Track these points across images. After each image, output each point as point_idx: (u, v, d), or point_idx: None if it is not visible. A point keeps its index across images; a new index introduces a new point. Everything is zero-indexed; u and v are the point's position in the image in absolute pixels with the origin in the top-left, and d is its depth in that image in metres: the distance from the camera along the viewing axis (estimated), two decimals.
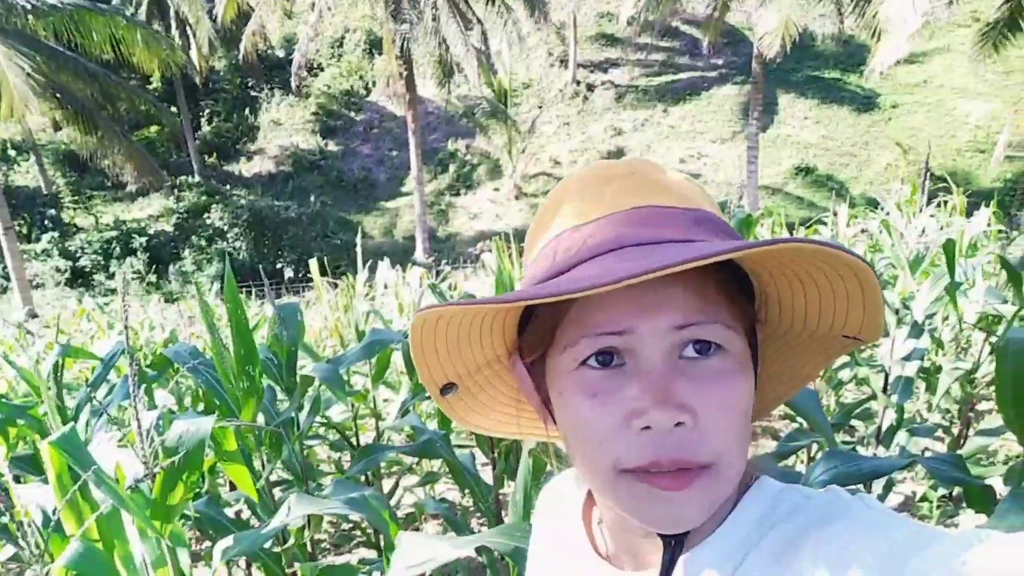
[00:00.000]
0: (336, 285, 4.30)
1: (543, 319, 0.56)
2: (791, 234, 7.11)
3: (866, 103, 23.75)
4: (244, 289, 13.46)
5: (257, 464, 2.19)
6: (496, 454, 2.30)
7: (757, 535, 0.53)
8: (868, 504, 0.52)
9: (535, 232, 0.61)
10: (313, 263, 3.58)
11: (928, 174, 5.60)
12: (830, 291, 0.52)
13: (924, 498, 3.44)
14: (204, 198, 23.58)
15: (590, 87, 27.17)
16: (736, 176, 21.54)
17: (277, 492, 2.84)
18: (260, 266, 3.26)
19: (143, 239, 21.95)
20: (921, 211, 6.58)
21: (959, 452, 1.75)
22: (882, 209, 8.21)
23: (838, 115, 23.81)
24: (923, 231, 2.47)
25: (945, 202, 7.38)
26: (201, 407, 2.93)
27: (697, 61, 27.65)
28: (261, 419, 2.07)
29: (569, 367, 0.53)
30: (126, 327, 1.43)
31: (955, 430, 3.76)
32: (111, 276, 20.57)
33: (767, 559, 0.52)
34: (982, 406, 4.23)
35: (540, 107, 26.15)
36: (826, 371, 3.34)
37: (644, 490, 0.50)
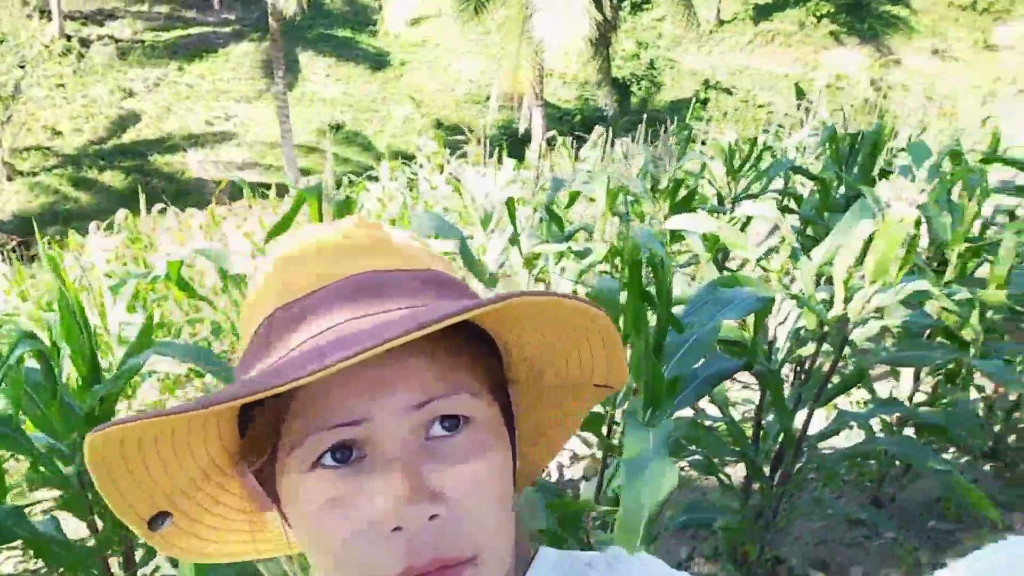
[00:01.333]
0: None
1: (263, 416, 0.47)
2: (339, 188, 7.30)
3: (379, 61, 25.33)
4: None
5: None
6: (97, 513, 1.90)
7: None
8: (648, 564, 0.53)
9: (246, 316, 0.52)
10: None
11: (488, 146, 6.30)
12: (570, 341, 0.51)
13: None
14: None
15: (84, 42, 23.37)
16: (270, 135, 21.16)
17: None
18: None
19: None
20: (442, 169, 7.37)
21: None
22: (416, 163, 8.98)
23: (355, 72, 24.95)
24: (487, 193, 2.78)
25: (465, 153, 8.41)
26: None
27: (207, 16, 25.91)
28: None
29: (300, 470, 0.45)
30: None
31: None
32: None
33: None
34: None
35: (22, 66, 21.61)
36: None
37: None
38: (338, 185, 8.16)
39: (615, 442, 1.76)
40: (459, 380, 0.46)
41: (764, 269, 2.58)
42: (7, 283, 5.30)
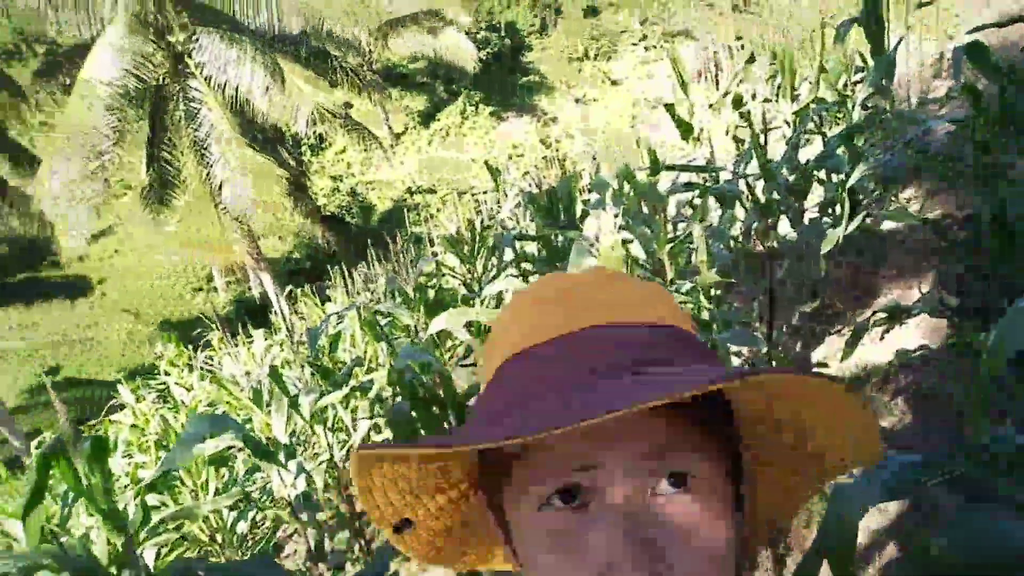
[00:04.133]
0: None
1: (497, 453, 0.50)
2: None
3: (75, 288, 23.21)
4: None
5: None
6: None
7: None
8: None
9: (489, 350, 0.56)
10: None
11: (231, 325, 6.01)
12: (813, 413, 0.47)
13: None
14: None
15: None
16: None
17: None
18: None
19: None
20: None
21: None
22: (158, 373, 8.32)
23: (51, 310, 22.60)
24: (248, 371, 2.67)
25: (209, 341, 7.99)
26: None
27: None
28: None
29: (528, 508, 0.47)
30: None
31: None
32: None
33: None
34: None
35: None
36: None
37: None
38: (79, 431, 7.28)
39: None
40: (689, 437, 0.45)
41: None
42: None
